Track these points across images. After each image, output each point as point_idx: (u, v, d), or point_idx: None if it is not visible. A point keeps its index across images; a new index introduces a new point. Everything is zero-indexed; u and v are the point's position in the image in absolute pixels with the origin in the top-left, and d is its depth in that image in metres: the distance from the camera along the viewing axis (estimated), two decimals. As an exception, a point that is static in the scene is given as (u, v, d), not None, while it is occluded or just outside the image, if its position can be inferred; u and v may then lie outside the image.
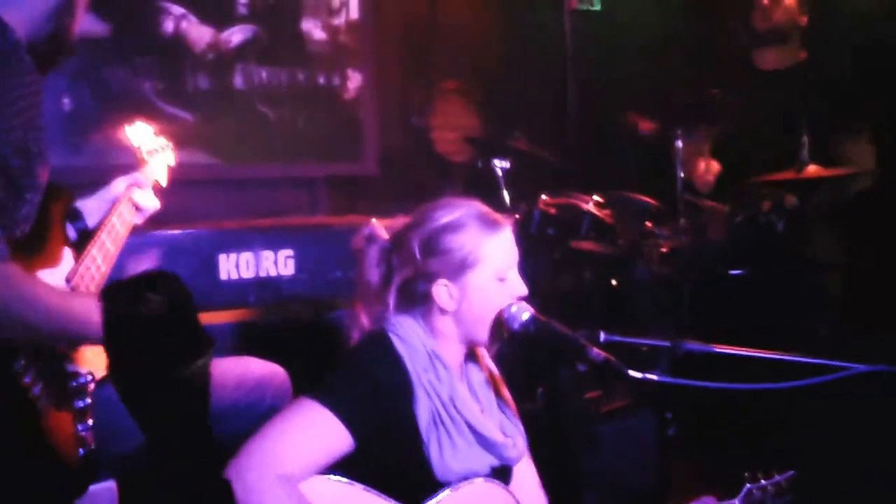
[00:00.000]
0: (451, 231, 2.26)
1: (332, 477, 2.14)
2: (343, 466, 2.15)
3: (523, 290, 2.31)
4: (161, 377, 0.97)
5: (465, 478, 2.25)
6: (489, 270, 2.26)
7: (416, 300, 2.29)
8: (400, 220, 2.35)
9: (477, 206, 2.32)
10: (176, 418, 0.98)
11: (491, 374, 2.46)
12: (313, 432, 2.11)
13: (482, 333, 2.30)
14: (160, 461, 1.00)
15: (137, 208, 2.71)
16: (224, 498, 1.04)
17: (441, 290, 2.26)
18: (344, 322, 2.40)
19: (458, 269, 2.25)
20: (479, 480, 2.26)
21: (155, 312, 0.97)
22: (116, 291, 0.98)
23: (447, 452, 2.21)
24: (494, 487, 2.30)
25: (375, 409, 2.16)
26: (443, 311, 2.28)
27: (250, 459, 2.03)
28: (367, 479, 2.16)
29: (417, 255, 2.26)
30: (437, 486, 2.21)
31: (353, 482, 2.15)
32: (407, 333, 2.26)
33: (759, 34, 4.69)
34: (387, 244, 2.34)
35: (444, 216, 2.28)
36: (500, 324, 2.30)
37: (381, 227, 2.37)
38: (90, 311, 2.20)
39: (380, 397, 2.17)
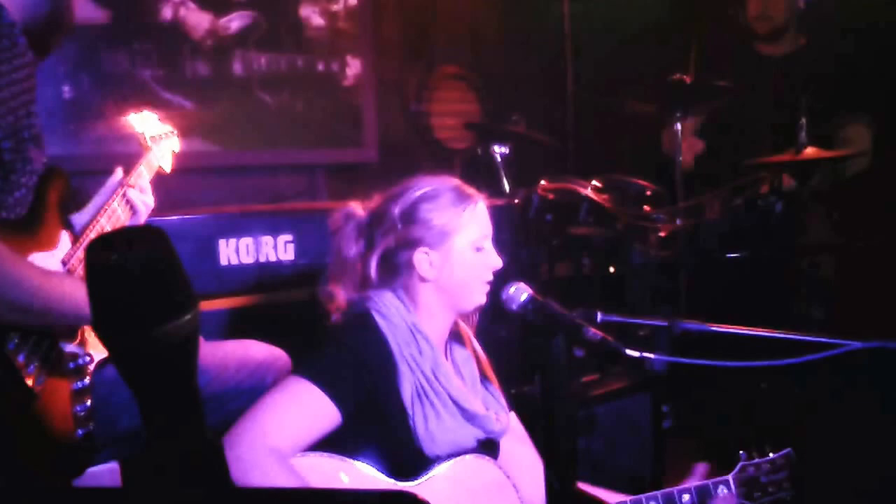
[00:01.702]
0: (429, 200, 2.36)
1: (322, 454, 2.21)
2: (333, 442, 2.21)
3: (498, 261, 2.41)
4: (146, 332, 0.97)
5: (452, 450, 2.31)
6: (466, 239, 2.36)
7: (397, 270, 2.38)
8: (376, 198, 2.45)
9: (451, 180, 2.43)
10: (163, 375, 0.99)
11: (475, 354, 2.54)
12: (302, 408, 2.19)
13: (463, 300, 2.40)
14: (153, 426, 1.01)
15: (133, 207, 2.68)
16: (218, 464, 1.04)
17: (422, 258, 2.35)
18: (321, 302, 2.46)
19: (437, 236, 2.34)
20: (469, 457, 2.33)
21: (138, 266, 0.97)
22: (98, 246, 0.98)
23: (432, 424, 2.28)
24: (484, 462, 2.36)
25: (360, 385, 2.24)
26: (423, 280, 2.37)
27: (242, 435, 2.11)
28: (357, 454, 2.22)
29: (398, 224, 2.36)
30: (424, 459, 2.28)
31: (343, 458, 2.21)
32: (388, 310, 2.34)
33: (758, 35, 4.69)
34: (364, 220, 2.43)
35: (423, 187, 2.38)
36: (477, 291, 2.39)
37: (358, 206, 2.46)
38: (79, 291, 2.21)
39: (364, 373, 2.25)
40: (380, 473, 2.22)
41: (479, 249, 2.37)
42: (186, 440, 0.97)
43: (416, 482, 2.25)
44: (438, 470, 2.27)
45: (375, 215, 2.41)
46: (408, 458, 2.26)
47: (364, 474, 2.21)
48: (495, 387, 2.54)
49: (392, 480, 2.22)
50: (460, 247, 2.34)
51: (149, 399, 0.96)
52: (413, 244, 2.34)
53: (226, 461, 1.05)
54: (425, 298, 2.38)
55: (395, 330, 2.32)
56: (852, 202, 4.52)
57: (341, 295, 2.41)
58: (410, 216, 2.35)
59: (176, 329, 0.95)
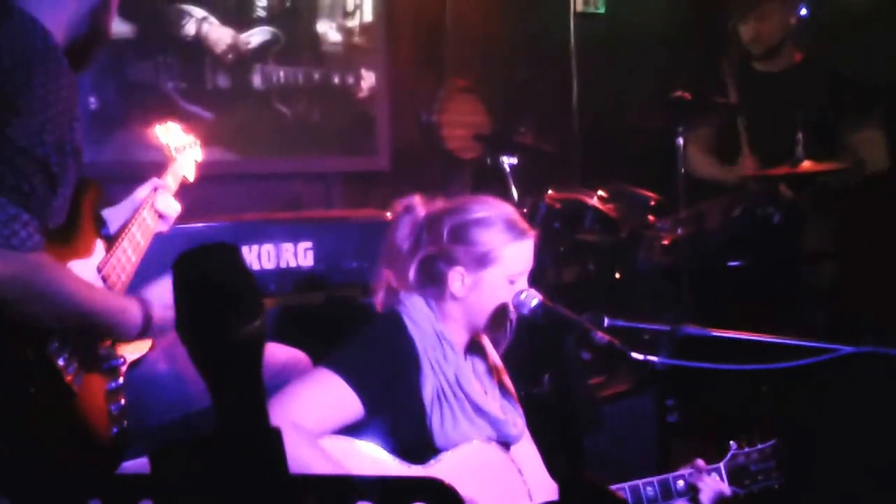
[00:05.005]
0: (480, 226, 2.42)
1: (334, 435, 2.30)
2: (353, 430, 2.32)
3: None
4: (225, 335, 1.12)
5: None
6: (503, 271, 2.42)
7: (433, 279, 2.45)
8: (438, 203, 2.51)
9: (508, 211, 2.48)
10: (235, 371, 1.14)
11: (494, 365, 2.61)
12: (326, 397, 2.29)
13: (481, 323, 2.46)
14: (223, 414, 1.15)
15: (160, 215, 2.78)
16: (277, 451, 1.18)
17: (455, 276, 2.42)
18: (371, 281, 2.58)
19: (476, 261, 2.41)
20: (476, 441, 2.41)
21: (221, 280, 1.12)
22: (186, 262, 1.13)
23: (448, 424, 2.37)
24: (491, 447, 2.45)
25: (383, 379, 2.34)
26: (454, 297, 2.44)
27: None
28: (371, 438, 2.33)
29: (445, 238, 2.42)
30: (435, 451, 2.38)
31: (354, 440, 2.31)
32: (418, 316, 2.43)
33: (753, 55, 4.76)
34: (421, 220, 2.49)
35: (479, 211, 2.44)
36: (502, 317, 2.45)
37: (420, 203, 2.52)
38: (117, 308, 2.31)
39: (389, 368, 2.36)
40: (389, 456, 2.32)
41: (512, 282, 2.42)
42: (250, 427, 1.11)
43: (425, 466, 2.35)
44: (446, 454, 2.37)
45: (429, 220, 2.47)
46: (419, 449, 2.36)
47: (374, 457, 2.31)
48: (512, 396, 2.62)
49: (401, 463, 2.33)
50: (494, 277, 2.40)
51: (221, 391, 1.10)
52: (452, 261, 2.41)
53: (284, 449, 1.17)
54: (452, 312, 2.45)
55: (423, 334, 2.42)
56: (856, 208, 4.60)
57: (391, 277, 2.51)
58: (458, 235, 2.41)
59: (248, 332, 1.10)
